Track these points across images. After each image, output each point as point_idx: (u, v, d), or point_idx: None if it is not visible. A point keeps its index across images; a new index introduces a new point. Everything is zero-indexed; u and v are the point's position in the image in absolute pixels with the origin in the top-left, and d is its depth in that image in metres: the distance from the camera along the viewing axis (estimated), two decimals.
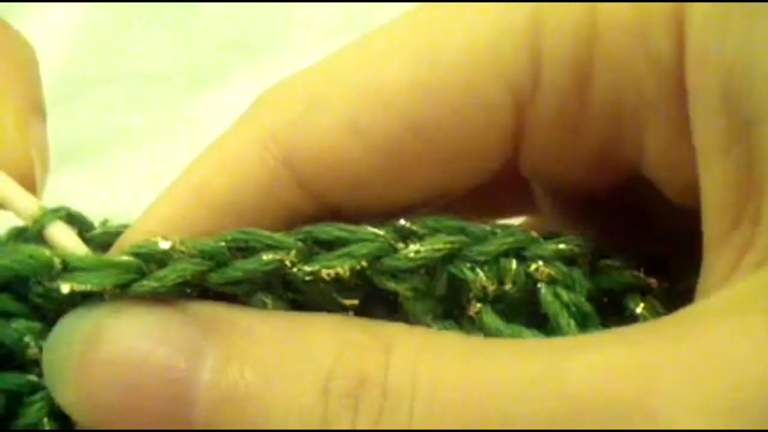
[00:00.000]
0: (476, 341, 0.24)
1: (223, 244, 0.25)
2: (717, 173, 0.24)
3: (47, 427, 0.25)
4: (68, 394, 0.24)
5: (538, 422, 0.21)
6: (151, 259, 0.25)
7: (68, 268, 0.25)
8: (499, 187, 0.29)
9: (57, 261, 0.25)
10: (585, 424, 0.20)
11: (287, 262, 0.25)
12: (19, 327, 0.25)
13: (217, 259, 0.25)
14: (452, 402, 0.22)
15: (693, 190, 0.25)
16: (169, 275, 0.25)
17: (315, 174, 0.26)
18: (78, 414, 0.24)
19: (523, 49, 0.25)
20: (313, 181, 0.26)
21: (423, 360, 0.23)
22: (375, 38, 0.27)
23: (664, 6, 0.24)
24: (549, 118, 0.26)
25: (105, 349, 0.24)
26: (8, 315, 0.25)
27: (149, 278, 0.25)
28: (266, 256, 0.25)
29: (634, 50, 0.25)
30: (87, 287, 0.25)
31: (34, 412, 0.25)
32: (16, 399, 0.25)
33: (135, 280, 0.25)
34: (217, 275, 0.25)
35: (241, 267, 0.25)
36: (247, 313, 0.25)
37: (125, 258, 0.25)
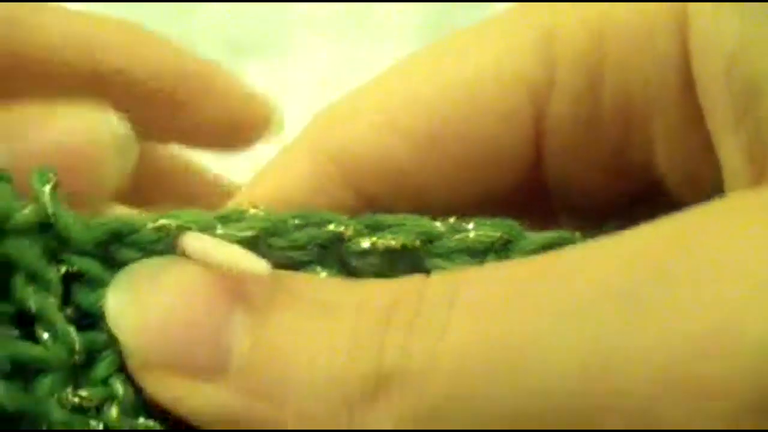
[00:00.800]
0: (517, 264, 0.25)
1: (290, 218, 0.28)
2: (732, 147, 0.26)
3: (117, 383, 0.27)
4: (127, 335, 0.26)
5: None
6: (229, 218, 0.28)
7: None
8: (519, 201, 0.31)
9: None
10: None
11: (346, 233, 0.28)
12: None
13: (281, 225, 0.28)
14: (493, 318, 0.22)
15: (697, 182, 0.27)
16: (239, 226, 0.27)
17: (359, 169, 0.29)
18: (134, 355, 0.26)
19: (538, 55, 0.28)
20: (356, 174, 0.29)
21: (463, 279, 0.23)
22: (407, 62, 0.31)
23: (666, 8, 0.27)
24: (565, 120, 0.28)
25: (157, 299, 0.25)
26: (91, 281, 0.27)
27: (223, 226, 0.27)
28: (328, 227, 0.28)
29: (641, 51, 0.27)
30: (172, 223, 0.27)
31: (105, 367, 0.27)
32: (91, 354, 0.27)
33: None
34: (282, 239, 0.28)
35: (304, 232, 0.28)
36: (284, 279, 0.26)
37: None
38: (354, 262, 0.28)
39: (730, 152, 0.26)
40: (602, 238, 0.23)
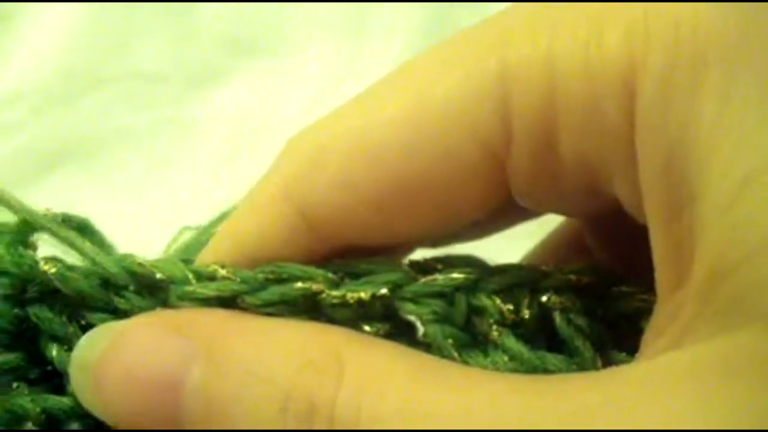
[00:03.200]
0: (424, 369, 0.26)
1: (260, 274, 0.29)
2: (661, 241, 0.26)
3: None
4: (89, 400, 0.29)
5: None
6: (200, 276, 0.30)
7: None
8: (502, 209, 0.31)
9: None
10: None
11: (315, 289, 0.29)
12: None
13: (253, 284, 0.29)
14: None
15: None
16: (210, 287, 0.29)
17: (324, 223, 0.30)
18: (98, 414, 0.29)
19: (494, 112, 0.27)
20: (324, 228, 0.30)
21: (369, 392, 0.25)
22: (366, 100, 0.30)
23: (615, 78, 0.26)
24: (526, 170, 0.28)
25: (115, 361, 0.28)
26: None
27: (194, 285, 0.29)
28: (297, 284, 0.29)
29: (590, 121, 0.26)
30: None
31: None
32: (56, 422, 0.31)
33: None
34: (253, 297, 0.29)
35: (275, 290, 0.29)
36: (229, 324, 0.29)
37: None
38: (328, 312, 0.29)
39: (660, 243, 0.26)
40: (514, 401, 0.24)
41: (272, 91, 0.66)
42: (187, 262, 0.31)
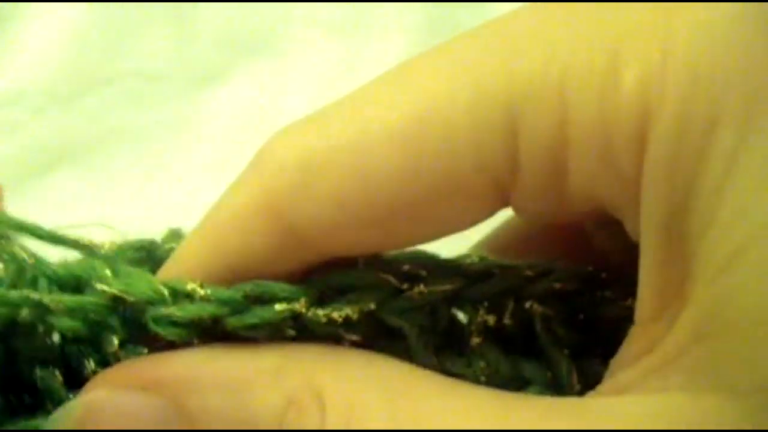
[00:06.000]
0: (401, 393, 0.27)
1: (240, 294, 0.28)
2: (649, 278, 0.27)
3: None
4: None
5: None
6: (177, 294, 0.29)
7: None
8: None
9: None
10: None
11: (298, 309, 0.28)
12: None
13: (233, 306, 0.28)
14: None
15: None
16: (188, 310, 0.28)
17: (314, 239, 0.29)
18: None
19: (501, 142, 0.27)
20: (313, 243, 0.29)
21: (353, 426, 0.26)
22: (361, 105, 0.28)
23: (629, 123, 0.25)
24: (532, 196, 0.28)
25: (91, 425, 0.28)
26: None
27: (171, 308, 0.28)
28: (279, 306, 0.28)
29: (600, 161, 0.26)
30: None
31: None
32: None
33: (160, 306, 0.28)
34: (235, 320, 0.28)
35: (257, 314, 0.28)
36: (197, 372, 0.28)
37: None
38: (314, 329, 0.29)
39: (646, 281, 0.27)
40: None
41: (272, 91, 0.66)
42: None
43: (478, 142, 0.27)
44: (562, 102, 0.26)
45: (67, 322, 0.29)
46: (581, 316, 0.30)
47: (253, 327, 0.28)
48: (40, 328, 0.29)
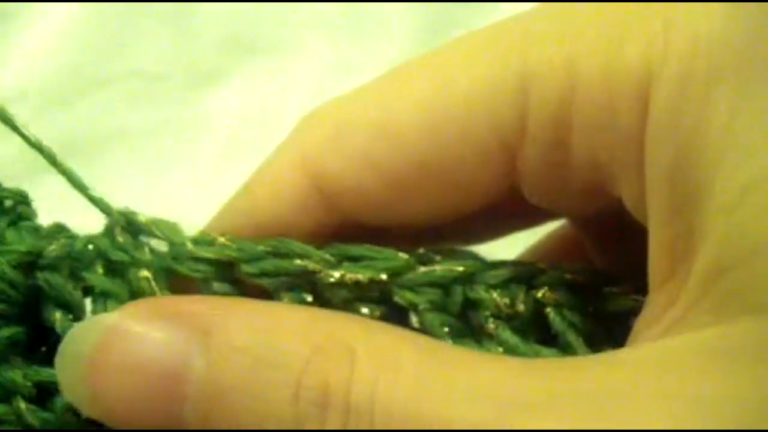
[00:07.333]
0: (431, 351, 0.27)
1: (260, 246, 0.30)
2: (660, 236, 0.28)
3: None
4: (78, 394, 0.28)
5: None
6: (198, 243, 0.30)
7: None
8: (508, 209, 0.32)
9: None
10: None
11: (312, 268, 0.29)
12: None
13: (251, 254, 0.29)
14: (408, 419, 0.25)
15: None
16: (208, 250, 0.29)
17: (339, 196, 0.31)
18: (86, 408, 0.28)
19: (512, 107, 0.29)
20: (337, 201, 0.31)
21: (382, 376, 0.25)
22: (389, 82, 0.32)
23: (632, 83, 0.27)
24: (536, 163, 0.30)
25: (111, 353, 0.27)
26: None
27: (192, 247, 0.29)
28: (296, 261, 0.29)
29: (603, 121, 0.28)
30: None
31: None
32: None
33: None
34: (249, 266, 0.29)
35: (272, 262, 0.29)
36: (226, 309, 0.28)
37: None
38: (323, 292, 0.30)
39: (659, 237, 0.28)
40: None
41: (272, 91, 0.66)
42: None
43: (492, 106, 0.29)
44: (570, 69, 0.28)
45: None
46: (591, 308, 0.31)
47: (267, 274, 0.29)
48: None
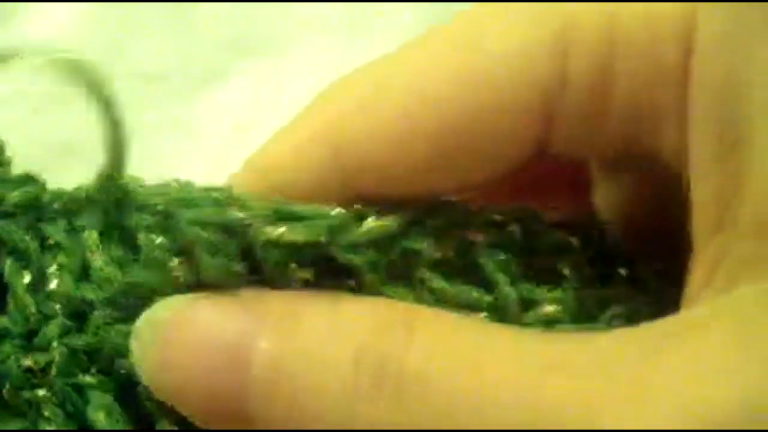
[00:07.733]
0: (490, 331, 0.27)
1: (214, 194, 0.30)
2: (706, 182, 0.27)
3: None
4: (151, 373, 0.28)
5: (524, 422, 0.24)
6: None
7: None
8: (531, 178, 0.32)
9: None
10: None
11: (248, 222, 0.28)
12: None
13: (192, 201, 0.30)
14: (462, 393, 0.25)
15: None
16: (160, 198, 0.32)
17: (359, 171, 0.30)
18: (157, 389, 0.28)
19: (551, 57, 0.29)
20: (355, 177, 0.30)
21: (439, 349, 0.26)
22: (420, 45, 0.31)
23: (676, 25, 0.27)
24: (576, 112, 0.29)
25: (182, 333, 0.28)
26: None
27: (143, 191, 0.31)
28: (230, 212, 0.29)
29: (646, 67, 0.28)
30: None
31: (49, 333, 0.30)
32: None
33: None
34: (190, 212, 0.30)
35: (208, 210, 0.29)
36: (295, 298, 0.28)
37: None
38: (258, 253, 0.29)
39: (704, 184, 0.27)
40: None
41: (272, 91, 0.66)
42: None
43: (531, 61, 0.29)
44: (611, 17, 0.28)
45: None
46: (520, 245, 0.31)
47: (198, 223, 0.29)
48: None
